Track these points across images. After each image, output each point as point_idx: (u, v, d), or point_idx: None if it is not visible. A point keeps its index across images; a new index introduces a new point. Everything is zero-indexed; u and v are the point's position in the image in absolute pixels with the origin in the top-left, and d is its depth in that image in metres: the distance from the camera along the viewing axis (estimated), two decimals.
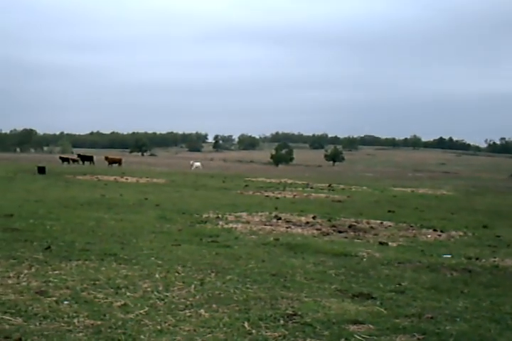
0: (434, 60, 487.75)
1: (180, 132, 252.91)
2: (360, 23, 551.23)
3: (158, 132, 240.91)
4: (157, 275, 7.71)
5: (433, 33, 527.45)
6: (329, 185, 35.91)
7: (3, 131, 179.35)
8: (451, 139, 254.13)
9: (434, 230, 14.68)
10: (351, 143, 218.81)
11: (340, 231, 13.71)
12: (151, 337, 5.32)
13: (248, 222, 14.56)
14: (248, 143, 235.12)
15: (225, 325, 5.73)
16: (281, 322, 5.93)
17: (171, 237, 11.29)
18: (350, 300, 6.95)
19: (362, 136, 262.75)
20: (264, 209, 18.03)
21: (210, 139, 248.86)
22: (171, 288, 7.09)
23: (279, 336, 5.51)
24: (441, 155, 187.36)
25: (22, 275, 7.37)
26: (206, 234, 11.86)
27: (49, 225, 12.02)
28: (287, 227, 14.05)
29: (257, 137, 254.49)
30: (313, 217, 16.17)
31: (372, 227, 14.79)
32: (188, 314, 6.05)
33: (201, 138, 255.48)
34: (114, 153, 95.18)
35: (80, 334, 5.32)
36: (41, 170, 35.92)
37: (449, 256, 10.60)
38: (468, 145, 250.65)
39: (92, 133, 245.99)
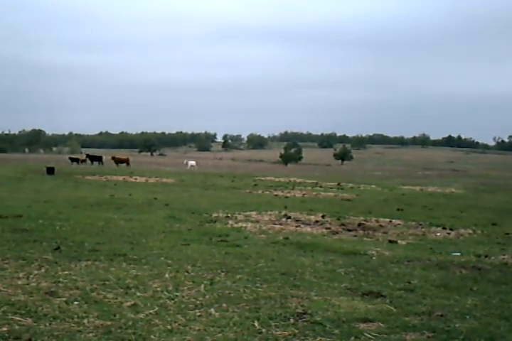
0: (445, 60, 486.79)
1: (190, 132, 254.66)
2: (373, 22, 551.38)
3: (167, 132, 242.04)
4: (167, 275, 7.71)
5: (444, 33, 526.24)
6: (338, 184, 35.89)
7: (12, 132, 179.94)
8: (459, 137, 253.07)
9: (443, 228, 14.65)
10: (360, 142, 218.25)
11: (349, 230, 13.71)
12: (161, 337, 5.32)
13: (257, 221, 14.57)
14: (257, 142, 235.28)
15: (235, 324, 5.73)
16: (291, 320, 5.93)
17: (181, 237, 11.30)
18: (360, 298, 6.94)
19: (371, 134, 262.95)
20: (274, 208, 18.03)
21: (219, 139, 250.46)
22: (181, 287, 7.09)
23: (289, 335, 5.51)
24: (450, 153, 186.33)
25: (32, 276, 7.38)
26: (216, 234, 11.87)
27: (58, 225, 12.05)
28: (297, 226, 14.06)
29: (266, 136, 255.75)
30: (323, 216, 16.17)
31: (381, 226, 14.78)
32: (198, 313, 6.05)
33: (210, 137, 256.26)
34: (122, 153, 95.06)
35: (90, 334, 5.32)
36: (50, 170, 36.06)
37: (458, 253, 10.58)
38: (477, 143, 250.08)
39: (100, 134, 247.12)
